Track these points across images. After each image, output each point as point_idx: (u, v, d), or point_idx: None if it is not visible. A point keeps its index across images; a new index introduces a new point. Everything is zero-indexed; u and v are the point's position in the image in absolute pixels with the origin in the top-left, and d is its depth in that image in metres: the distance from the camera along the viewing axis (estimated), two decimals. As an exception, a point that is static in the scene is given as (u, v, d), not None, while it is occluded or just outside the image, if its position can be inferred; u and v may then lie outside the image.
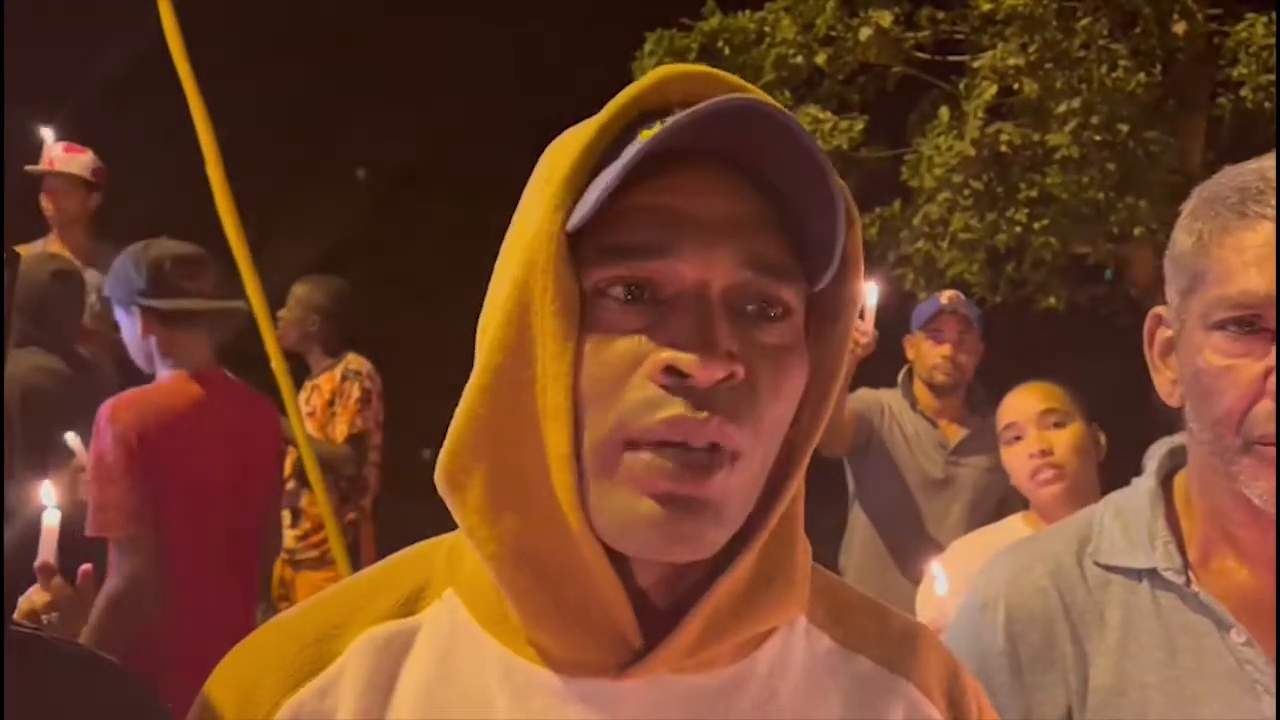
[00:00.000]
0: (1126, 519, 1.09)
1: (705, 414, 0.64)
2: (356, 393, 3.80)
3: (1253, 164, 1.00)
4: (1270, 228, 0.93)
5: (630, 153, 0.64)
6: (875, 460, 3.28)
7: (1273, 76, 7.08)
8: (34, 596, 1.84)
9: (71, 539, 1.95)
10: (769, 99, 0.68)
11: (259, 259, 2.83)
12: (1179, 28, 7.64)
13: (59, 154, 3.90)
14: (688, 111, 0.64)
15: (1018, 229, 7.86)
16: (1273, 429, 0.93)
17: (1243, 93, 7.45)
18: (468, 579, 0.73)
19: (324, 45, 8.44)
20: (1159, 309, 1.08)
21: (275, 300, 3.31)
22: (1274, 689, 0.99)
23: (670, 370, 0.64)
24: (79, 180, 3.89)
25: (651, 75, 0.70)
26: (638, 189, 0.66)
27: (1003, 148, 7.68)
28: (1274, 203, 0.94)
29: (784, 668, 0.74)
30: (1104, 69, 7.41)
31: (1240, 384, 0.95)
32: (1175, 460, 1.12)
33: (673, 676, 0.70)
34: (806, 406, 0.72)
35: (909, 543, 3.14)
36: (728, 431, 0.64)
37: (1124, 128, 7.41)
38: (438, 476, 0.71)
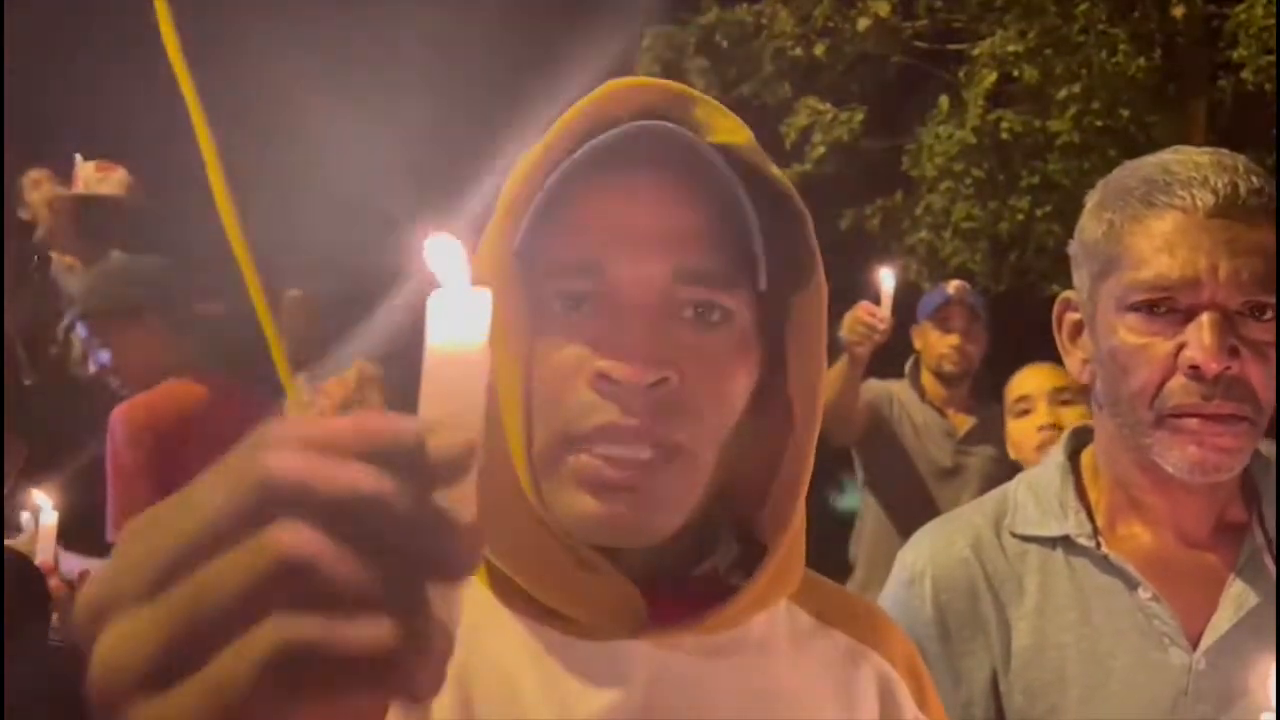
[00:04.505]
0: (1039, 492, 1.17)
1: (636, 419, 0.69)
2: (378, 399, 3.80)
3: (1153, 158, 1.08)
4: (1177, 215, 1.02)
5: (549, 181, 0.69)
6: (885, 450, 3.28)
7: (1273, 58, 7.06)
8: None
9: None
10: (710, 99, 0.75)
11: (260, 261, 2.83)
12: (1178, 10, 7.62)
13: (90, 174, 3.64)
14: (582, 151, 0.69)
15: (1020, 217, 7.86)
16: (1184, 401, 1.01)
17: (1243, 74, 7.42)
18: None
19: (321, 45, 8.45)
20: (1067, 294, 1.16)
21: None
22: (1179, 640, 1.07)
23: (604, 377, 0.69)
24: (113, 200, 3.63)
25: (599, 90, 0.74)
26: (585, 202, 0.71)
27: (1004, 135, 7.68)
28: (1180, 193, 1.02)
29: (772, 635, 0.80)
30: (1103, 54, 7.40)
31: (1154, 361, 1.03)
32: (1080, 438, 1.21)
33: (679, 636, 0.75)
34: (798, 395, 0.76)
35: (920, 532, 3.14)
36: (660, 433, 0.69)
37: (1125, 112, 7.41)
38: None
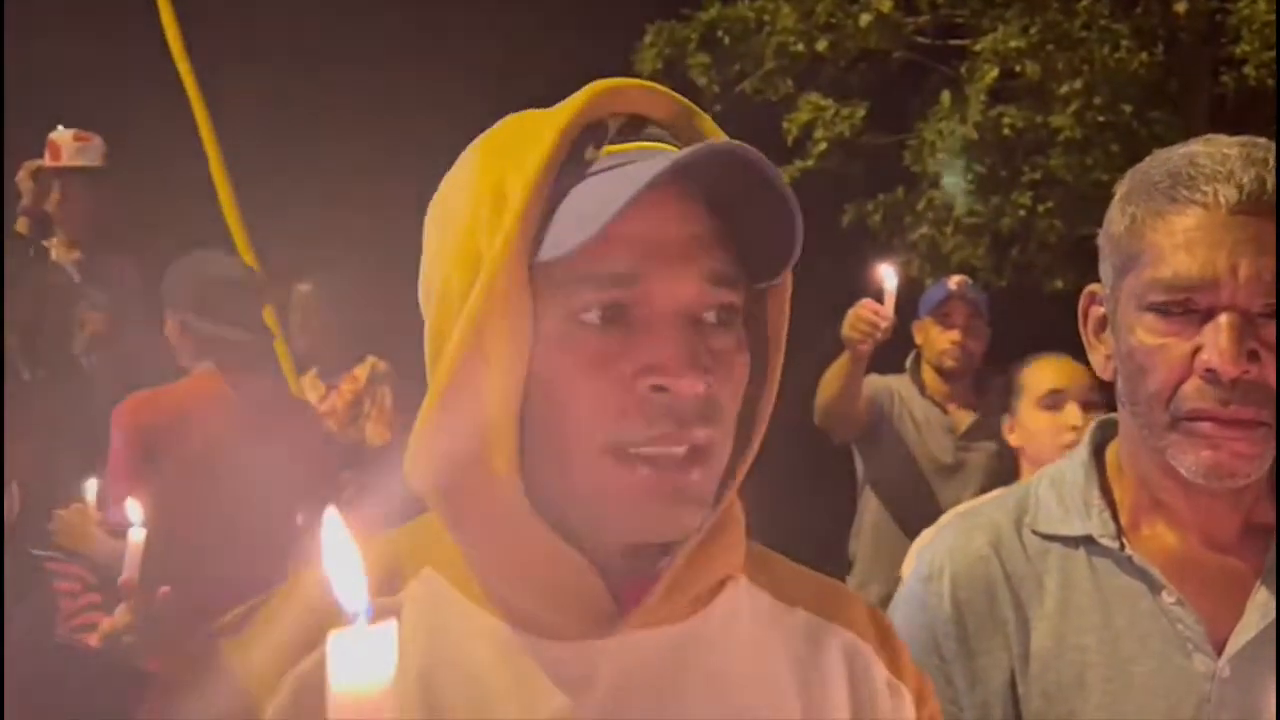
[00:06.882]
0: (1061, 489, 1.14)
1: (685, 428, 0.71)
2: (390, 398, 3.81)
3: (1182, 148, 1.04)
4: (1199, 212, 0.98)
5: (615, 206, 0.67)
6: (886, 445, 3.28)
7: (1275, 53, 7.05)
8: (116, 618, 1.83)
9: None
10: (699, 109, 0.76)
11: (263, 258, 2.84)
12: (1180, 6, 7.60)
13: (69, 143, 3.65)
14: (680, 156, 0.68)
15: (1022, 212, 7.85)
16: (1200, 405, 0.98)
17: (1246, 70, 7.41)
18: (448, 555, 0.78)
19: (322, 41, 8.44)
20: (1093, 286, 1.13)
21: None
22: (1203, 646, 1.04)
23: (658, 388, 0.71)
24: (93, 172, 3.66)
25: (586, 92, 0.74)
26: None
27: (1005, 131, 7.66)
28: (1203, 188, 0.98)
29: (733, 620, 0.81)
30: (1106, 49, 7.38)
31: (1170, 362, 1.00)
32: (1106, 433, 1.17)
33: (641, 632, 0.76)
34: (756, 383, 0.79)
35: (921, 528, 3.14)
36: (703, 435, 0.72)
37: (1127, 108, 7.39)
38: (406, 474, 0.77)
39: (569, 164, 0.73)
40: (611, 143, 0.74)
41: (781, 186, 0.71)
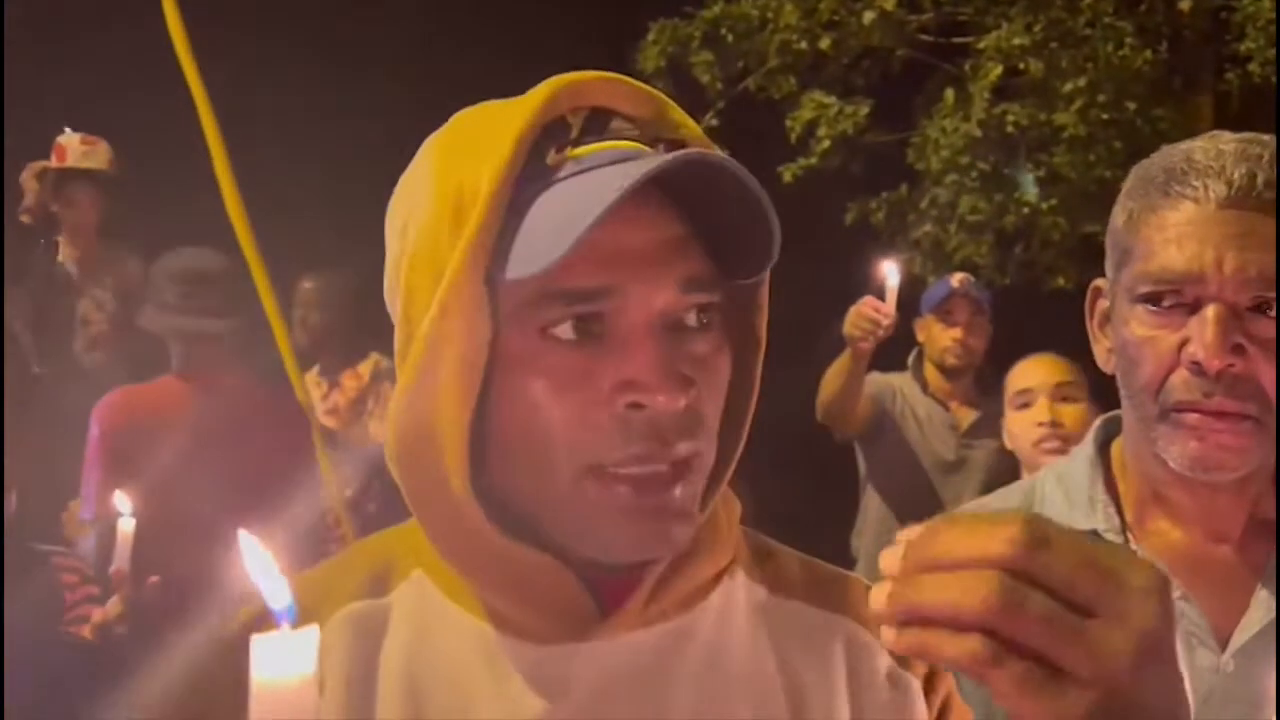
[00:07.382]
0: (1067, 485, 1.14)
1: (668, 444, 0.69)
2: (391, 394, 3.79)
3: (1183, 145, 1.05)
4: (1190, 207, 0.99)
5: (587, 220, 0.64)
6: (888, 443, 3.28)
7: (1278, 51, 7.04)
8: (109, 608, 1.83)
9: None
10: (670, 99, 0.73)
11: (269, 254, 2.84)
12: (1184, 4, 7.59)
13: (75, 146, 3.64)
14: (651, 168, 0.65)
15: (1025, 210, 7.85)
16: (1185, 397, 0.99)
17: (1250, 67, 7.40)
18: (436, 559, 0.77)
19: (325, 39, 8.45)
20: (1098, 281, 1.14)
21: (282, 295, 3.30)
22: (1208, 640, 1.04)
23: (636, 405, 0.68)
24: (98, 175, 3.67)
25: (543, 90, 0.71)
26: None
27: (1009, 128, 7.66)
28: (1195, 183, 0.99)
29: (728, 617, 0.79)
30: (1110, 47, 7.37)
31: (1158, 354, 1.01)
32: (1111, 429, 1.17)
33: (629, 633, 0.75)
34: (739, 383, 0.76)
35: (924, 526, 3.14)
36: (685, 450, 0.70)
37: (1131, 105, 7.38)
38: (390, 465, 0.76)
39: (530, 168, 0.69)
40: (575, 142, 0.70)
41: (755, 189, 0.68)
